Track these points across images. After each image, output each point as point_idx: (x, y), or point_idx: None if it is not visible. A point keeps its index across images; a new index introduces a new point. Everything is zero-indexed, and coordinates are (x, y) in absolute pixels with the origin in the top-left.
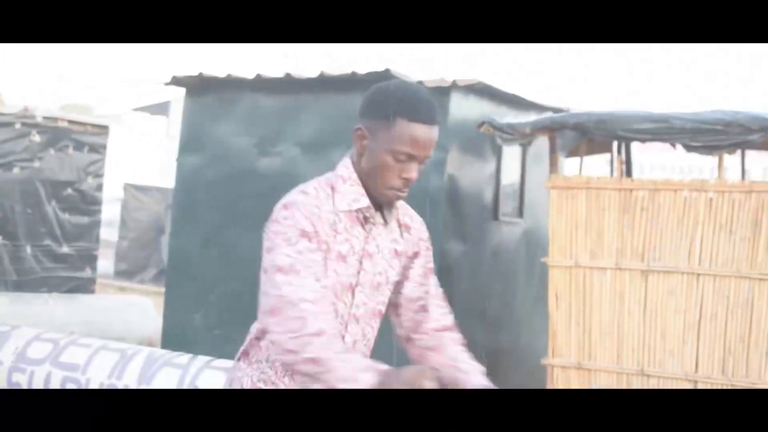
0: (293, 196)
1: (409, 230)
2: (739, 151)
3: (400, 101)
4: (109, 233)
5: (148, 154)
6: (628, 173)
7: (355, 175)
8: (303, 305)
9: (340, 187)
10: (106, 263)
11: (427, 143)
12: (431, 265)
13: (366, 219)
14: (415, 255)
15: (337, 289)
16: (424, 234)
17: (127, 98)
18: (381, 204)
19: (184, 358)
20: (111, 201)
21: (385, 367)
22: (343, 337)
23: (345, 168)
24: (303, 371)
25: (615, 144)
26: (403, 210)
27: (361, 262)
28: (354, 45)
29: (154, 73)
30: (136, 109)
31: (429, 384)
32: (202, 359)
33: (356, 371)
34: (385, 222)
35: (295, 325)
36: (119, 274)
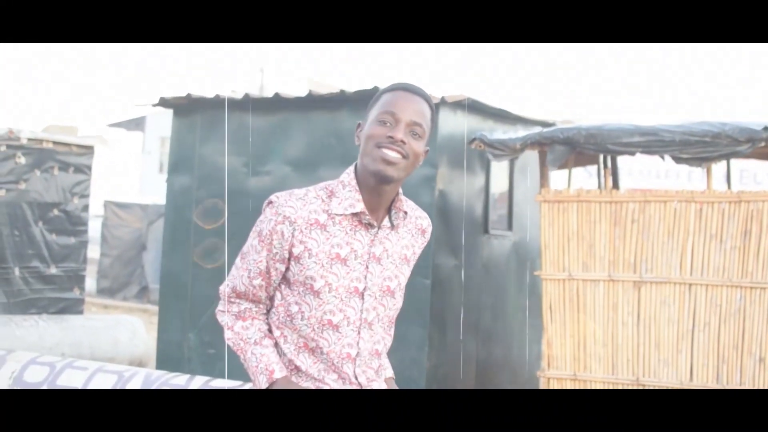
0: (277, 194)
1: (424, 234)
2: (725, 161)
3: (389, 85)
4: (90, 251)
5: (126, 170)
6: (615, 184)
7: (354, 181)
8: (233, 292)
9: (339, 192)
10: (89, 281)
11: (409, 106)
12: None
13: (370, 223)
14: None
15: (341, 293)
16: (428, 240)
17: (108, 116)
18: (378, 199)
19: (182, 378)
20: (92, 218)
21: (279, 375)
22: (357, 344)
23: (347, 174)
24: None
25: (601, 156)
26: (421, 213)
27: (367, 266)
28: (339, 63)
29: (134, 93)
30: (111, 125)
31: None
32: (201, 379)
33: (257, 370)
34: (392, 226)
35: (224, 303)
36: (102, 291)
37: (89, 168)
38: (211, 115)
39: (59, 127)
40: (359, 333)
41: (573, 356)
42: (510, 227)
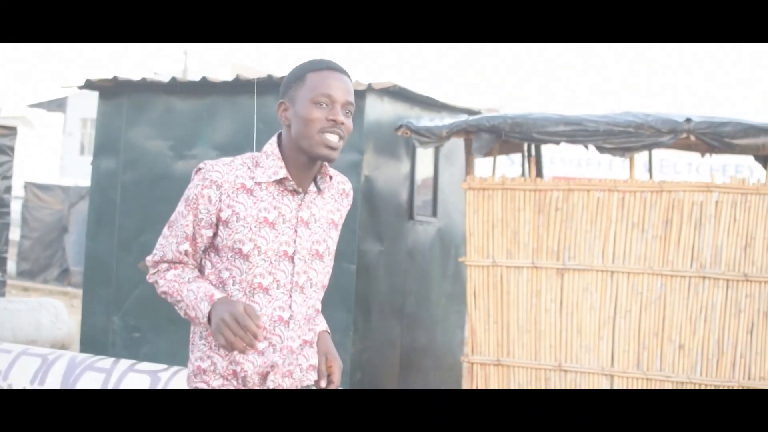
0: (205, 161)
1: (348, 197)
2: (647, 151)
3: (307, 63)
4: (11, 233)
5: (47, 151)
6: (539, 173)
7: (277, 150)
8: (161, 260)
9: (263, 162)
10: (9, 263)
11: (341, 86)
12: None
13: (295, 189)
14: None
15: (271, 257)
16: (350, 204)
17: (29, 97)
18: (306, 171)
19: (106, 361)
20: (12, 200)
21: (219, 296)
22: (289, 307)
23: (270, 145)
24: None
25: (526, 144)
26: (341, 177)
27: (296, 230)
28: (260, 46)
29: (57, 74)
30: (32, 106)
31: (239, 311)
32: (126, 362)
33: (197, 301)
34: (319, 190)
35: (154, 264)
36: (22, 273)
37: (12, 149)
38: (138, 98)
39: None
40: (291, 296)
41: (497, 342)
42: (435, 213)
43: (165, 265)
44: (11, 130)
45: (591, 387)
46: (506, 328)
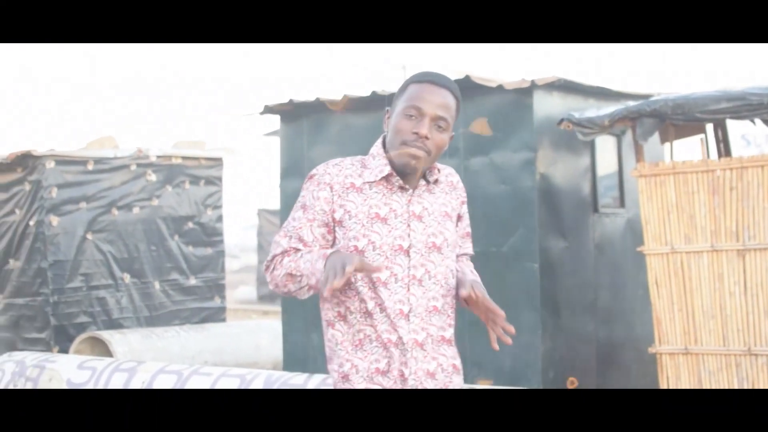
0: (316, 168)
1: (455, 189)
2: None
3: (415, 74)
4: (250, 258)
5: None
6: (727, 152)
7: (382, 151)
8: (277, 256)
9: (369, 163)
10: (249, 289)
11: (434, 99)
12: (469, 229)
13: (402, 186)
14: (459, 218)
15: (386, 251)
16: (464, 196)
17: (237, 129)
18: (407, 169)
19: (300, 377)
20: (248, 228)
21: (330, 251)
22: (408, 300)
23: (375, 147)
24: (293, 291)
25: (711, 126)
26: (449, 170)
27: (409, 224)
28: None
29: (251, 102)
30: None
31: (351, 264)
32: (318, 377)
33: (314, 263)
34: (428, 183)
35: (270, 262)
36: (262, 298)
37: (219, 179)
38: (316, 119)
39: (188, 142)
40: (409, 290)
41: (683, 330)
42: (622, 204)
43: (278, 260)
44: (217, 161)
45: None
46: (691, 316)
